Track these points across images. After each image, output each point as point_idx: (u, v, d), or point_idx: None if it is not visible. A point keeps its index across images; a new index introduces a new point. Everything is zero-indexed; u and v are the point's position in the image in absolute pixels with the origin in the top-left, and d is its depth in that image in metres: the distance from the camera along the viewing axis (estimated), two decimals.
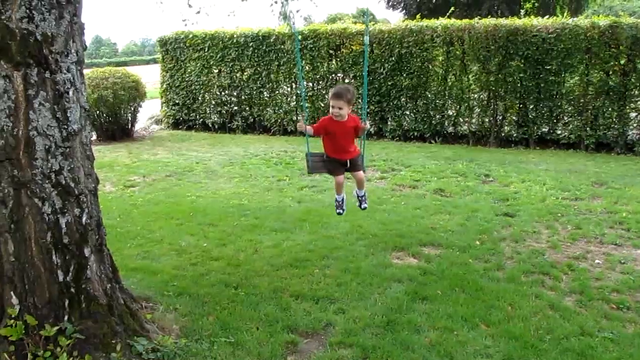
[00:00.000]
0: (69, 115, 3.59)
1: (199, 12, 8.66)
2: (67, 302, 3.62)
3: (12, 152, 3.38)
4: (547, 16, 13.01)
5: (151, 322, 4.26)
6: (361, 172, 5.44)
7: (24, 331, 3.45)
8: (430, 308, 4.71)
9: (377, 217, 7.26)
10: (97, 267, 3.83)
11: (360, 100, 14.18)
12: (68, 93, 3.58)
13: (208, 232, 6.73)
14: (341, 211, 5.72)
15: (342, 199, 5.69)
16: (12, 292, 3.50)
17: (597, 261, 5.84)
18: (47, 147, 3.48)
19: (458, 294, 5.00)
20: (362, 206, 5.75)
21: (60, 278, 3.58)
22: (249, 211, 7.60)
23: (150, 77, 21.24)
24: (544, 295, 4.98)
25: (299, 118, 15.38)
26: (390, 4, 34.85)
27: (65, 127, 3.57)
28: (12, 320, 3.45)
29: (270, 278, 5.29)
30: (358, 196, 5.73)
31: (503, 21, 12.93)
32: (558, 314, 4.63)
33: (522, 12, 14.91)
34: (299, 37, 14.66)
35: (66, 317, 3.61)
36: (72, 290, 3.64)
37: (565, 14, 12.80)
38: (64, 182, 3.56)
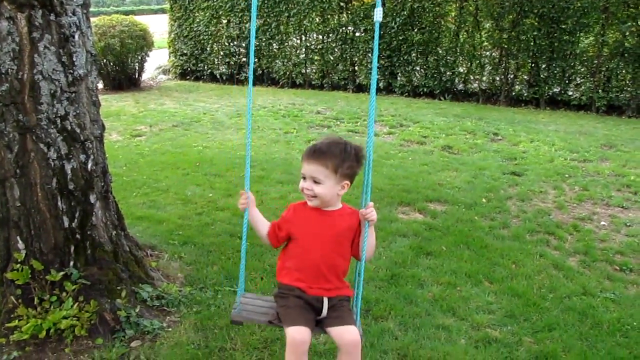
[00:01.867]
0: (74, 59, 3.52)
1: None
2: (72, 248, 3.63)
3: (17, 96, 3.33)
4: None
5: (156, 269, 4.29)
6: (354, 330, 2.54)
7: (30, 275, 3.48)
8: (435, 263, 4.73)
9: (384, 171, 7.23)
10: (102, 214, 3.83)
11: (370, 63, 14.08)
12: (74, 37, 3.51)
13: (214, 182, 6.73)
14: None
15: None
16: (18, 237, 3.51)
17: (602, 223, 5.83)
18: (52, 91, 3.43)
19: (462, 250, 5.00)
20: None
21: (66, 224, 3.58)
22: (256, 163, 7.57)
23: (158, 27, 21.00)
24: (548, 255, 4.99)
25: (308, 72, 15.22)
26: None
27: (71, 71, 3.51)
28: (19, 265, 3.47)
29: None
30: None
31: None
32: (561, 274, 4.64)
33: None
34: None
35: (72, 263, 3.62)
36: (78, 236, 3.64)
37: None
38: (69, 127, 3.52)
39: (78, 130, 3.58)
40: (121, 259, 3.92)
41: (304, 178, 2.65)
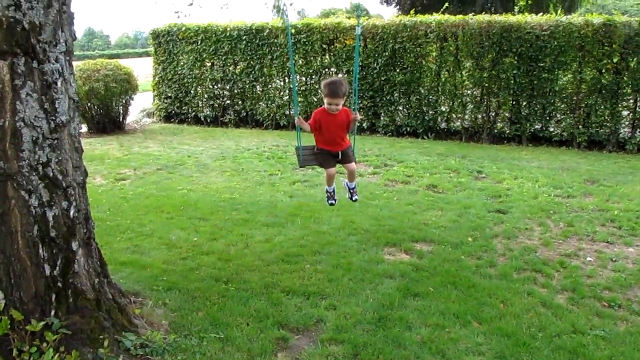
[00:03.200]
0: (57, 106, 3.51)
1: (191, 4, 8.61)
2: (53, 297, 3.55)
3: None
4: (541, 14, 12.97)
5: (140, 317, 4.20)
6: (352, 163, 5.50)
7: (9, 326, 3.38)
8: (422, 305, 4.68)
9: (370, 212, 7.23)
10: (84, 261, 3.77)
11: (352, 95, 14.22)
12: (56, 84, 3.51)
13: (199, 226, 6.68)
14: (333, 202, 5.85)
15: (333, 190, 5.82)
16: None
17: (588, 259, 5.83)
18: (34, 138, 3.41)
19: (450, 290, 4.97)
20: (353, 198, 5.81)
21: (47, 272, 3.52)
22: (241, 205, 7.54)
23: (143, 70, 21.12)
24: (536, 293, 4.97)
25: (292, 113, 15.36)
26: None
27: (54, 118, 3.49)
28: None
29: (261, 273, 5.24)
30: (349, 188, 5.79)
31: (497, 18, 12.91)
32: (550, 312, 4.61)
33: (516, 9, 14.90)
34: (292, 31, 14.60)
35: (53, 312, 3.54)
36: (59, 284, 3.57)
37: (558, 11, 12.75)
38: (51, 174, 3.49)
39: (60, 177, 3.55)
40: (104, 306, 3.85)
41: (330, 104, 5.11)
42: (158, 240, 6.19)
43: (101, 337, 3.66)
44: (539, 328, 4.33)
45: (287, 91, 15.37)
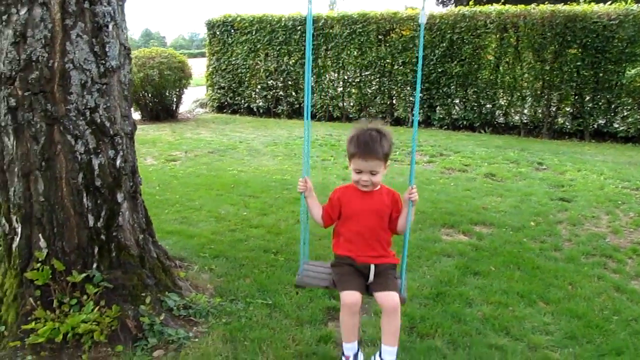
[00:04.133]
0: (107, 50, 3.37)
1: None
2: (96, 250, 3.41)
3: (46, 84, 3.18)
4: (610, 2, 12.35)
5: (184, 280, 4.04)
6: (394, 294, 2.85)
7: (50, 276, 3.27)
8: (483, 283, 4.37)
9: (426, 195, 6.90)
10: (129, 216, 3.61)
11: (411, 95, 13.88)
12: (107, 27, 3.37)
13: (249, 202, 6.51)
14: None
15: (356, 355, 2.96)
16: (40, 235, 3.31)
17: None
18: (83, 82, 3.27)
19: (513, 270, 4.63)
20: None
21: (91, 223, 3.37)
22: (292, 185, 7.34)
23: (197, 69, 21.20)
24: (607, 277, 4.58)
25: (345, 105, 15.14)
26: (440, 1, 34.16)
27: (103, 62, 3.35)
28: (39, 264, 3.27)
29: (312, 246, 4.94)
30: None
31: (561, 7, 12.34)
32: (624, 296, 4.23)
33: None
34: (347, 21, 14.38)
35: (95, 265, 3.40)
36: (103, 237, 3.43)
37: (628, 0, 12.11)
38: (98, 120, 3.35)
39: (108, 124, 3.40)
40: (147, 264, 3.69)
41: (360, 172, 2.97)
42: (207, 213, 6.04)
43: (143, 294, 3.50)
44: (613, 311, 3.96)
45: (341, 82, 15.15)
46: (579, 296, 4.18)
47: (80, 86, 3.27)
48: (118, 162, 3.48)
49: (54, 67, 3.18)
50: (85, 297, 3.27)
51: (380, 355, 2.86)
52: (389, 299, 2.80)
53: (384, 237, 3.06)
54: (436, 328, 3.63)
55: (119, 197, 3.50)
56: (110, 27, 3.40)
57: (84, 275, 3.29)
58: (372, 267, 2.96)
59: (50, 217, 3.29)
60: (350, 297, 2.79)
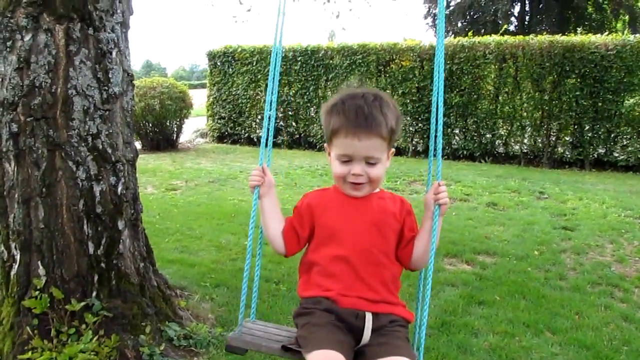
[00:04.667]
0: (110, 76, 3.36)
1: (249, 10, 8.52)
2: (96, 277, 3.35)
3: (48, 110, 3.16)
4: (607, 32, 12.49)
5: (185, 309, 3.96)
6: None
7: (48, 304, 3.20)
8: (489, 312, 4.29)
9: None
10: (130, 243, 3.56)
11: (411, 125, 13.90)
12: (111, 53, 3.36)
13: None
14: None
15: None
16: (39, 262, 3.25)
17: None
18: (85, 107, 3.25)
19: (518, 300, 4.56)
20: None
21: (91, 250, 3.32)
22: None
23: (197, 99, 21.30)
24: (615, 307, 4.50)
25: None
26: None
27: (106, 88, 3.34)
28: (38, 292, 3.21)
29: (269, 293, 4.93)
30: None
31: (559, 38, 12.46)
32: (633, 326, 4.15)
33: (579, 29, 14.42)
34: (347, 52, 14.49)
35: (94, 293, 3.33)
36: (103, 265, 3.37)
37: (625, 31, 12.26)
38: (100, 146, 3.32)
39: (110, 151, 3.37)
40: (148, 293, 3.62)
41: (348, 161, 1.92)
42: (207, 242, 5.98)
43: (143, 324, 3.43)
44: (623, 342, 3.87)
45: None
46: (587, 326, 4.10)
47: (83, 112, 3.25)
48: (119, 189, 3.44)
49: (56, 93, 3.17)
50: (84, 326, 3.20)
51: None
52: None
53: (390, 271, 1.99)
54: (442, 359, 3.55)
55: (120, 224, 3.45)
56: (114, 53, 3.40)
57: (83, 303, 3.23)
58: (369, 316, 1.90)
59: (50, 244, 3.24)
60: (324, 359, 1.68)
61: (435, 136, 2.04)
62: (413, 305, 2.35)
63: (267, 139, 2.23)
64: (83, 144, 3.26)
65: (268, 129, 2.23)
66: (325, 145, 2.07)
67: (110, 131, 3.39)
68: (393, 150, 2.05)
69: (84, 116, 3.25)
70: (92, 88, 3.28)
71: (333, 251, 1.94)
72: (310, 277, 2.02)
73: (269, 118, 2.25)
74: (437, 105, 2.04)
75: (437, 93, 2.04)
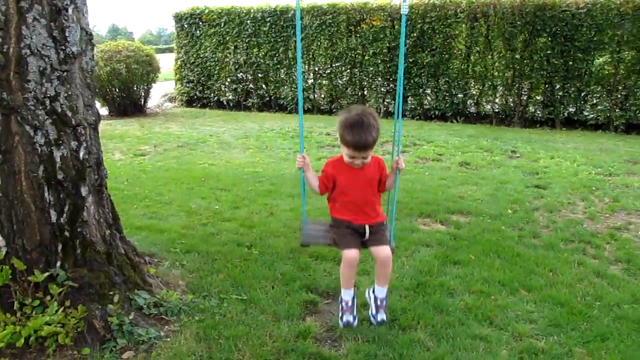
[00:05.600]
0: (67, 35, 3.16)
1: None
2: (59, 247, 3.21)
3: (1, 72, 2.96)
4: None
5: (154, 276, 3.86)
6: (386, 247, 3.23)
7: (10, 276, 3.05)
8: (464, 272, 4.28)
9: (401, 185, 6.71)
10: (95, 210, 3.42)
11: (382, 85, 13.76)
12: (67, 10, 3.16)
13: (220, 195, 6.33)
14: (351, 319, 3.23)
15: (353, 299, 3.29)
16: None
17: None
18: (41, 68, 3.06)
19: (493, 259, 4.55)
20: (379, 317, 3.26)
21: (53, 219, 3.17)
22: (264, 178, 7.19)
23: (165, 63, 20.75)
24: (587, 263, 4.53)
25: (316, 97, 14.97)
26: None
27: (63, 48, 3.15)
28: None
29: (287, 239, 4.87)
30: (376, 298, 3.33)
31: None
32: (605, 282, 4.18)
33: None
34: (317, 12, 14.23)
35: (58, 263, 3.20)
36: (66, 233, 3.23)
37: None
38: (59, 109, 3.14)
39: (69, 114, 3.20)
40: (115, 261, 3.50)
41: (353, 157, 3.20)
42: (177, 207, 5.85)
43: (111, 293, 3.32)
44: (595, 297, 3.90)
45: (312, 74, 14.97)
46: (561, 283, 4.11)
47: (39, 73, 3.06)
48: (81, 153, 3.28)
49: (9, 53, 2.97)
50: (48, 297, 3.07)
51: (373, 292, 3.37)
52: (382, 251, 3.21)
53: (376, 201, 3.39)
54: (418, 320, 3.52)
55: (83, 190, 3.30)
56: (70, 10, 3.19)
57: (46, 274, 3.10)
58: (367, 227, 3.29)
59: (8, 213, 3.08)
60: (351, 254, 3.17)
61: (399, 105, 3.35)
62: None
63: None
64: (40, 107, 3.08)
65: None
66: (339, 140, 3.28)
67: (70, 93, 3.21)
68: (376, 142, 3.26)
69: (40, 77, 3.06)
70: (48, 47, 3.09)
71: (346, 196, 3.32)
72: (335, 205, 3.40)
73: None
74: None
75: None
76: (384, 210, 3.49)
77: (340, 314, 3.28)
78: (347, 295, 3.27)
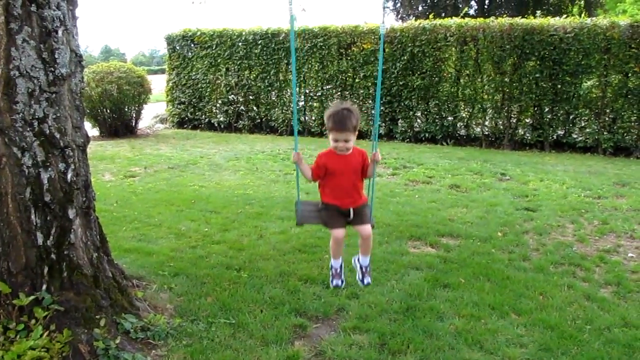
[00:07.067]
0: (57, 56, 3.17)
1: None
2: (46, 269, 3.18)
3: None
4: (565, 16, 12.59)
5: (142, 300, 3.82)
6: (368, 226, 3.83)
7: None
8: (454, 295, 4.26)
9: (391, 208, 6.81)
10: (82, 233, 3.39)
11: (373, 108, 13.83)
12: (57, 32, 3.17)
13: (210, 218, 6.30)
14: (340, 282, 4.04)
15: (341, 266, 4.05)
16: None
17: (630, 254, 5.39)
18: (30, 90, 3.06)
19: (483, 282, 4.54)
20: (365, 280, 4.03)
21: (40, 241, 3.15)
22: (255, 200, 7.16)
23: (157, 85, 20.79)
24: (577, 286, 4.53)
25: (307, 120, 15.00)
26: (399, 16, 34.47)
27: (52, 69, 3.15)
28: None
29: (277, 262, 4.84)
30: (361, 266, 4.04)
31: (519, 20, 12.50)
32: (595, 305, 4.18)
33: (538, 12, 14.52)
34: (308, 35, 14.33)
35: (44, 287, 3.17)
36: (53, 256, 3.20)
37: (582, 14, 12.38)
38: (47, 131, 3.14)
39: (58, 136, 3.19)
40: (102, 284, 3.47)
41: (337, 140, 3.73)
42: (166, 230, 5.82)
43: (97, 317, 3.28)
44: (586, 321, 3.89)
45: (303, 97, 15.03)
46: (551, 306, 4.10)
47: (27, 95, 3.06)
48: (69, 175, 3.26)
49: None
50: (33, 321, 3.03)
51: (358, 260, 4.04)
52: (365, 229, 3.82)
53: (359, 186, 3.89)
54: (407, 344, 3.50)
55: (71, 213, 3.28)
56: (60, 32, 3.20)
57: (32, 297, 3.06)
58: (352, 210, 3.80)
59: None
60: (338, 233, 3.80)
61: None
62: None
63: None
64: (28, 129, 3.07)
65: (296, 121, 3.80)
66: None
67: (58, 115, 3.20)
68: (356, 132, 3.80)
69: (28, 99, 3.06)
70: (37, 69, 3.09)
71: (335, 183, 3.81)
72: (324, 191, 3.87)
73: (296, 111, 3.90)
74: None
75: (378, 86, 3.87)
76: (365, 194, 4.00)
77: (331, 279, 4.05)
78: (336, 263, 4.03)
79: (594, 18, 12.38)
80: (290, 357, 3.33)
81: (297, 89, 15.02)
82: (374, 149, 3.74)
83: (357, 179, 3.87)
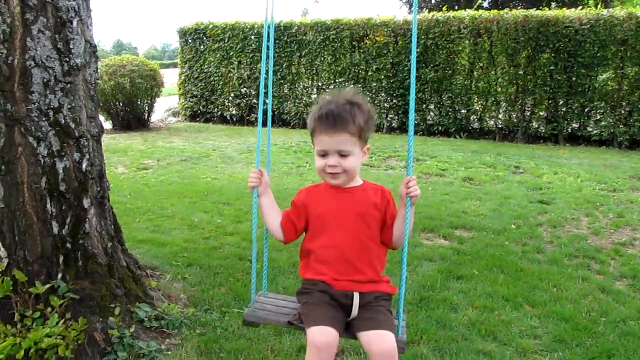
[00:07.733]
0: (71, 47, 3.17)
1: None
2: (61, 258, 3.19)
3: (5, 83, 2.97)
4: (580, 7, 12.47)
5: (156, 289, 3.84)
6: (390, 336, 2.05)
7: (11, 288, 3.04)
8: (467, 287, 4.25)
9: None
10: (97, 222, 3.41)
11: (385, 101, 13.72)
12: (71, 22, 3.17)
13: (223, 209, 6.32)
14: None
15: None
16: (0, 243, 3.09)
17: None
18: (45, 80, 3.07)
19: (496, 274, 4.52)
20: None
21: (55, 230, 3.16)
22: None
23: (170, 78, 20.86)
24: (592, 279, 4.49)
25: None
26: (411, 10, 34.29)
27: (67, 60, 3.15)
28: None
29: (290, 253, 4.84)
30: None
31: (533, 12, 12.40)
32: (610, 297, 4.14)
33: (553, 4, 14.39)
34: (321, 27, 14.30)
35: (60, 275, 3.18)
36: (68, 245, 3.22)
37: (599, 6, 12.27)
38: (63, 121, 3.15)
39: (73, 125, 3.20)
40: (116, 273, 3.48)
41: (324, 155, 2.23)
42: (179, 221, 5.84)
43: (112, 305, 3.29)
44: (600, 313, 3.86)
45: (315, 90, 15.01)
46: (565, 298, 4.08)
47: (43, 85, 3.07)
48: (84, 165, 3.28)
49: (13, 65, 2.97)
50: (49, 309, 3.05)
51: None
52: (379, 342, 1.96)
53: (375, 253, 2.25)
54: (421, 335, 3.49)
55: (85, 202, 3.29)
56: (75, 22, 3.21)
57: (48, 286, 3.08)
58: (356, 296, 2.18)
59: (10, 224, 3.07)
60: (322, 336, 1.96)
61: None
62: (396, 280, 2.39)
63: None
64: (44, 119, 3.08)
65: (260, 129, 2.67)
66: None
67: (73, 105, 3.21)
68: (369, 146, 2.32)
69: (44, 89, 3.07)
70: (52, 59, 3.10)
71: (325, 240, 2.25)
72: (308, 261, 2.32)
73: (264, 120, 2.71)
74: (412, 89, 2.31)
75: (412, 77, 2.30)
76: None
77: None
78: None
79: (610, 9, 12.24)
80: (303, 346, 3.33)
81: (310, 81, 15.01)
82: (407, 172, 2.21)
83: (371, 238, 2.25)
